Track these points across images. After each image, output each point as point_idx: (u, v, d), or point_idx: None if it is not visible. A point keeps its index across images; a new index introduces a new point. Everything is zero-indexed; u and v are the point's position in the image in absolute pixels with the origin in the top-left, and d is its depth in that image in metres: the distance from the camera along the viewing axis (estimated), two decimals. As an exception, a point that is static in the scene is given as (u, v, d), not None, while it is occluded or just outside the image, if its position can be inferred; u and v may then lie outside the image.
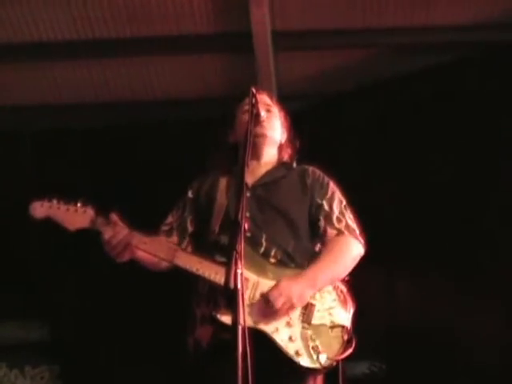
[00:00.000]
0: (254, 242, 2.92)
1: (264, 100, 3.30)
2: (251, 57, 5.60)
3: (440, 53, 5.57)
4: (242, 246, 2.34)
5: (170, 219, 3.23)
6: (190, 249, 3.12)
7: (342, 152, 5.52)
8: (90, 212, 2.91)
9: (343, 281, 3.03)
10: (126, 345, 5.66)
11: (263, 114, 3.01)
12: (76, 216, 2.91)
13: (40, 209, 2.92)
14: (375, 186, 5.38)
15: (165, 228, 3.20)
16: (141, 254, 2.97)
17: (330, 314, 2.91)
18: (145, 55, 5.85)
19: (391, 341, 5.26)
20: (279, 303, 2.79)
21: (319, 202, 3.15)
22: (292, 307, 2.83)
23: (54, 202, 2.93)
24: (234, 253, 2.33)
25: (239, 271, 2.29)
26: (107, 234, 2.87)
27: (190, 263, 2.89)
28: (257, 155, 3.22)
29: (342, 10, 5.33)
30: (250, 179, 3.02)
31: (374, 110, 5.66)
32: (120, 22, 5.49)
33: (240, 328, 2.24)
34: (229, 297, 2.37)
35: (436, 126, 5.40)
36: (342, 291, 2.99)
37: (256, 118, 2.94)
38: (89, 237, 2.89)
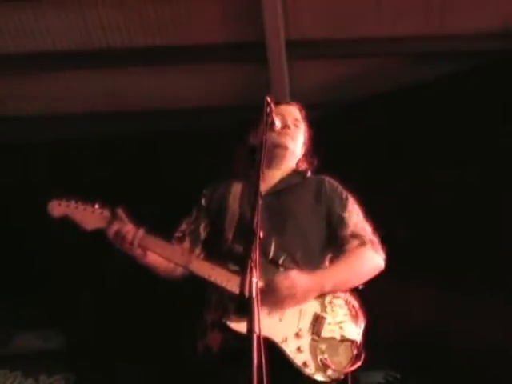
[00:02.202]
0: (263, 249, 2.88)
1: (294, 115, 3.33)
2: (265, 66, 5.61)
3: (455, 61, 5.58)
4: (257, 255, 2.35)
5: (183, 226, 3.23)
6: (202, 256, 3.12)
7: (355, 161, 5.52)
8: (107, 213, 2.94)
9: (355, 296, 3.03)
10: (141, 354, 5.66)
11: (277, 123, 3.01)
12: (93, 216, 2.94)
13: (58, 207, 2.95)
14: (389, 194, 5.37)
15: (178, 235, 3.21)
16: (153, 259, 2.99)
17: (340, 327, 2.91)
18: (159, 65, 5.87)
19: (406, 350, 5.24)
20: (282, 286, 2.80)
21: (340, 213, 3.15)
22: (293, 297, 2.83)
23: (72, 201, 2.96)
24: (249, 261, 2.33)
25: (254, 280, 2.29)
26: (118, 226, 2.90)
27: (203, 270, 2.90)
28: (274, 164, 3.22)
29: (356, 18, 5.34)
30: (263, 186, 3.01)
31: (387, 119, 5.66)
32: (134, 32, 5.52)
33: (255, 337, 2.23)
34: (240, 304, 2.38)
35: (451, 134, 5.39)
36: (353, 306, 2.99)
37: (270, 127, 2.95)
38: (104, 244, 2.91)
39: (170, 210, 3.33)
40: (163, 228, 3.11)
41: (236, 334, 2.68)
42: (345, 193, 3.23)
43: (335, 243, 3.12)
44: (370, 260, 3.08)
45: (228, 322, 2.75)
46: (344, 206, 3.17)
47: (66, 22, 5.37)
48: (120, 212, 2.94)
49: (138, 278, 3.05)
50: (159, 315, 5.55)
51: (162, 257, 2.97)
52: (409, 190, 5.38)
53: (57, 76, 5.95)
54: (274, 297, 2.81)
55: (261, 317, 2.45)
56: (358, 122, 5.75)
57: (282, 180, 3.22)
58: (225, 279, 2.86)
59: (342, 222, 3.13)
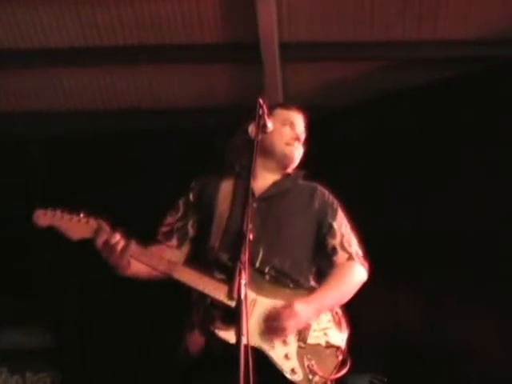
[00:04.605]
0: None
1: (302, 126, 3.29)
2: (259, 67, 5.61)
3: (447, 67, 5.59)
4: (246, 257, 2.34)
5: (169, 220, 3.17)
6: (189, 253, 3.11)
7: (347, 165, 5.53)
8: (93, 223, 2.90)
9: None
10: (127, 352, 5.65)
11: (270, 125, 2.99)
12: (79, 226, 2.90)
13: (44, 217, 2.92)
14: (378, 199, 5.38)
15: (164, 229, 3.16)
16: (136, 269, 2.94)
17: (325, 334, 2.91)
18: (153, 64, 5.86)
19: (393, 354, 5.24)
20: (288, 324, 2.79)
21: (330, 222, 3.13)
22: (296, 326, 2.82)
23: (58, 211, 2.94)
24: (239, 264, 2.32)
25: (243, 281, 2.29)
26: (106, 236, 2.86)
27: (190, 278, 2.87)
28: (272, 169, 3.20)
29: (350, 22, 5.35)
30: (255, 189, 3.02)
31: (379, 123, 5.67)
32: (128, 30, 5.51)
33: (243, 345, 2.23)
34: (228, 312, 2.38)
35: (441, 140, 5.40)
36: (336, 313, 3.00)
37: (262, 129, 2.94)
38: (90, 245, 2.90)
39: (162, 211, 3.30)
40: (149, 229, 3.09)
41: (221, 342, 2.69)
42: (335, 202, 3.21)
43: (323, 252, 3.11)
44: (359, 275, 3.09)
45: (216, 331, 2.75)
46: (334, 216, 3.15)
47: (59, 18, 5.35)
48: (103, 223, 2.90)
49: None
50: (145, 313, 5.54)
51: (149, 266, 2.93)
52: (400, 197, 5.39)
53: (50, 73, 5.93)
54: (274, 324, 2.80)
55: (254, 337, 2.49)
56: (350, 126, 5.76)
57: (275, 184, 3.18)
58: (212, 288, 2.83)
59: (330, 231, 3.11)
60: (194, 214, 3.16)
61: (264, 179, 3.15)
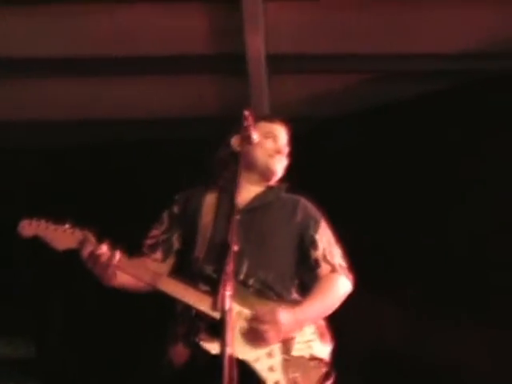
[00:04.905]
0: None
1: (285, 139, 3.33)
2: (245, 79, 5.62)
3: (433, 80, 5.63)
4: (231, 268, 2.35)
5: (154, 232, 3.20)
6: (174, 265, 3.14)
7: (332, 176, 5.54)
8: (78, 233, 2.91)
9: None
10: (111, 363, 5.63)
11: (255, 137, 3.00)
12: (64, 236, 2.91)
13: (29, 227, 2.93)
14: (363, 211, 5.39)
15: (149, 242, 3.19)
16: (122, 280, 2.96)
17: (309, 346, 2.93)
18: (139, 74, 5.86)
19: (375, 367, 5.24)
20: (268, 328, 2.81)
21: (313, 235, 3.16)
22: (276, 337, 2.84)
23: (43, 221, 2.94)
24: (223, 275, 2.33)
25: (228, 293, 2.29)
26: (92, 247, 2.87)
27: (175, 290, 2.89)
28: (255, 182, 3.23)
29: (336, 35, 5.37)
30: (239, 201, 3.01)
31: (365, 135, 5.69)
32: (116, 41, 5.50)
33: (228, 356, 2.23)
34: (213, 324, 2.38)
35: (426, 152, 5.43)
36: (320, 325, 3.02)
37: (247, 141, 2.95)
38: (76, 256, 2.90)
39: (146, 221, 3.30)
40: (137, 239, 3.09)
41: (206, 354, 2.70)
42: (318, 215, 3.24)
43: (306, 265, 3.13)
44: (343, 287, 3.11)
45: (201, 342, 2.75)
46: (316, 228, 3.17)
47: (37, 28, 5.33)
48: (89, 234, 2.91)
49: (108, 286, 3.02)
50: (130, 324, 5.52)
51: (134, 277, 2.94)
52: (386, 207, 5.40)
53: (33, 83, 5.90)
54: (258, 332, 2.82)
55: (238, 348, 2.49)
56: (336, 138, 5.78)
57: (258, 197, 3.21)
58: (197, 299, 2.85)
59: (313, 244, 3.14)
60: (179, 227, 3.18)
61: (247, 191, 3.16)
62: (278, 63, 5.58)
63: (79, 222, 2.96)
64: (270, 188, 3.28)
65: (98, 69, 5.74)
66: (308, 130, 5.93)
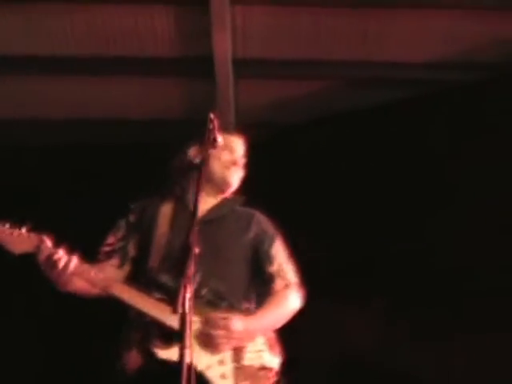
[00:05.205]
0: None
1: (241, 151, 3.35)
2: (212, 82, 5.62)
3: (398, 88, 5.68)
4: (192, 271, 2.34)
5: (111, 240, 3.21)
6: (129, 273, 3.14)
7: (297, 182, 5.55)
8: (34, 237, 2.90)
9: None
10: (66, 368, 5.56)
11: (220, 140, 3.00)
12: (20, 240, 2.89)
13: None
14: (328, 220, 5.40)
15: (106, 249, 3.19)
16: (78, 285, 2.95)
17: (259, 356, 2.97)
18: (104, 75, 5.82)
19: (343, 374, 5.24)
20: (220, 332, 2.85)
21: (267, 250, 3.20)
22: (227, 344, 2.87)
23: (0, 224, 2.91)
24: (183, 278, 2.32)
25: (188, 295, 2.29)
26: (49, 251, 2.86)
27: (128, 296, 2.90)
28: (211, 193, 3.25)
29: (304, 40, 5.39)
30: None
31: (330, 141, 5.71)
32: (80, 41, 5.46)
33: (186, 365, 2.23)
34: (167, 331, 2.36)
35: (391, 160, 5.47)
36: (270, 337, 3.07)
37: (212, 144, 2.95)
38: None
39: (108, 227, 3.28)
40: (96, 244, 3.08)
41: (160, 360, 2.72)
42: (273, 230, 3.28)
43: (261, 279, 3.18)
44: (295, 302, 3.16)
45: (155, 349, 2.76)
46: (271, 244, 3.22)
47: (11, 26, 5.28)
48: (46, 238, 2.89)
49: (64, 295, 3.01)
50: (84, 330, 5.47)
51: (89, 283, 2.93)
52: (353, 214, 5.42)
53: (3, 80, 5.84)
54: (209, 336, 2.86)
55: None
56: (302, 144, 5.79)
57: (213, 208, 3.23)
58: (151, 306, 2.87)
59: (269, 259, 3.18)
60: (135, 235, 3.19)
61: (204, 203, 3.13)
62: (244, 67, 5.59)
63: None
64: (225, 200, 3.31)
65: (60, 69, 5.70)
66: (273, 135, 5.94)
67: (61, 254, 2.84)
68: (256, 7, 5.12)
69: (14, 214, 2.98)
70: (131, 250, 3.17)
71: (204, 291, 2.98)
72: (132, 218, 3.23)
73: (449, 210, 5.16)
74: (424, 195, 5.27)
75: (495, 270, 4.94)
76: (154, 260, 3.04)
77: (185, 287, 2.31)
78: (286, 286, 3.15)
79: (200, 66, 5.62)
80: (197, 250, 2.42)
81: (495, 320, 4.81)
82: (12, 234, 2.89)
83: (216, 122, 2.94)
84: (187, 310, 2.27)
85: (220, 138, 2.99)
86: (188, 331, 2.24)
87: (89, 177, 5.98)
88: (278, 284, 3.15)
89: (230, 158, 3.26)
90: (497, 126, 5.12)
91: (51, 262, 2.83)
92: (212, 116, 2.94)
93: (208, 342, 2.85)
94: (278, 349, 3.05)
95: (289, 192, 5.27)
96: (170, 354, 2.64)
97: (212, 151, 3.00)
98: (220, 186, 3.25)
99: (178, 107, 6.17)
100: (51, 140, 6.22)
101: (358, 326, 5.21)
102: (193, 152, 3.24)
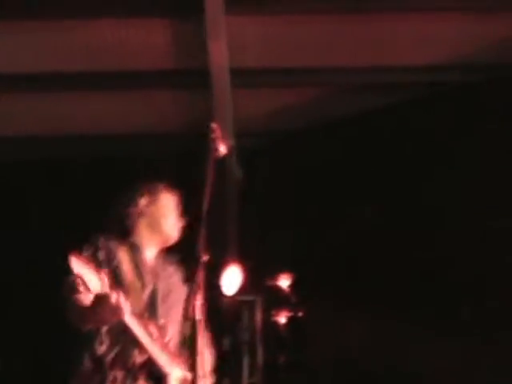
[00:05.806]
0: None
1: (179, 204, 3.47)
2: (209, 93, 5.62)
3: (395, 93, 5.70)
4: (201, 278, 2.36)
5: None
6: None
7: (295, 189, 5.56)
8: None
9: None
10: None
11: (222, 149, 3.01)
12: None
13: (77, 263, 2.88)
14: (328, 223, 5.41)
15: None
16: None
17: None
18: (102, 89, 5.83)
19: (340, 375, 5.25)
20: None
21: None
22: None
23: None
24: (194, 285, 2.35)
25: (198, 302, 2.31)
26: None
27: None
28: (153, 242, 3.36)
29: (300, 48, 5.40)
30: (145, 260, 3.27)
31: (328, 148, 5.72)
32: (77, 57, 5.46)
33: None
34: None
35: (387, 166, 5.48)
36: None
37: (216, 153, 2.96)
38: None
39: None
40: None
41: None
42: None
43: None
44: None
45: None
46: None
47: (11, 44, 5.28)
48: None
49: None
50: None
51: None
52: (349, 220, 5.43)
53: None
54: None
55: None
56: (301, 151, 5.81)
57: (157, 258, 3.37)
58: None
59: None
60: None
61: (150, 252, 3.33)
62: (241, 77, 5.59)
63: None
64: (164, 251, 3.42)
65: (57, 84, 5.71)
66: (272, 143, 5.95)
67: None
68: (251, 17, 5.13)
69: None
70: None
71: None
72: (101, 255, 3.20)
73: (449, 210, 5.17)
74: (424, 195, 5.29)
75: (495, 270, 4.96)
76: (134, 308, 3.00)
77: (195, 294, 2.32)
78: None
79: (196, 78, 5.62)
80: (205, 258, 2.43)
81: (495, 320, 4.82)
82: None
83: (218, 132, 2.96)
84: (198, 317, 2.28)
85: (222, 147, 3.01)
86: (200, 339, 2.25)
87: (83, 189, 5.99)
88: None
89: (176, 214, 3.40)
90: (497, 127, 5.14)
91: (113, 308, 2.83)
92: (213, 125, 2.97)
93: None
94: None
95: (287, 199, 5.27)
96: None
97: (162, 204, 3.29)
98: (166, 240, 3.38)
99: (176, 119, 6.17)
100: (48, 155, 6.24)
101: (358, 327, 5.22)
102: (142, 203, 3.36)
